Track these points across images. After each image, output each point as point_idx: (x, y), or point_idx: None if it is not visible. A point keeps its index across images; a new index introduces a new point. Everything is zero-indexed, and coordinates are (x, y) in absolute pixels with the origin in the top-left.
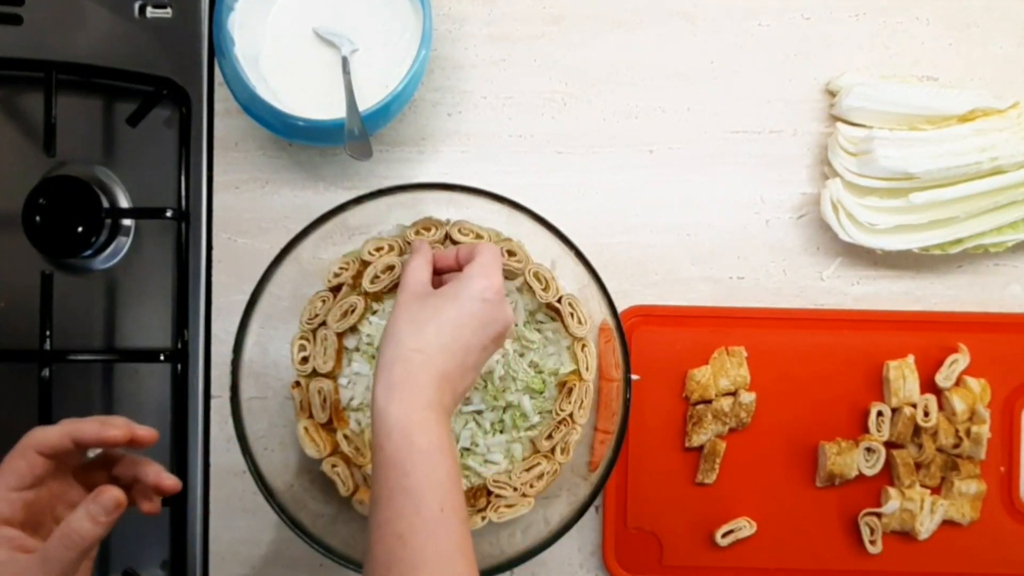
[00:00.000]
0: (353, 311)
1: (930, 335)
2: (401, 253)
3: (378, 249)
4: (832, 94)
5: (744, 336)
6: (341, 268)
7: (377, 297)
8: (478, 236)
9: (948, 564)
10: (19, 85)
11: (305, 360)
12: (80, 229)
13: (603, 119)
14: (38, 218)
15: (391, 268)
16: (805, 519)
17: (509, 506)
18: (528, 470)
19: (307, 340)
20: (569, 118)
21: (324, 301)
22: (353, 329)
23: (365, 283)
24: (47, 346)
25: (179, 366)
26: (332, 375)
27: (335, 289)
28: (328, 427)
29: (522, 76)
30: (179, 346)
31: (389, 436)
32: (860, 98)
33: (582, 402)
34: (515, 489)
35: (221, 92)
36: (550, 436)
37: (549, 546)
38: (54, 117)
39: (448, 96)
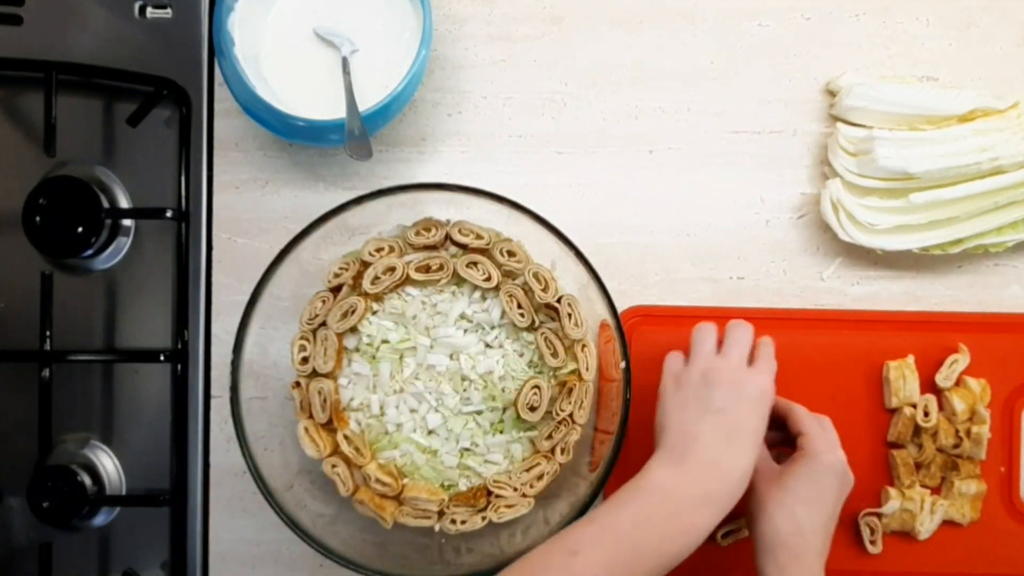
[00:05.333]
0: (353, 312)
1: (930, 335)
2: (401, 254)
3: (378, 250)
4: (832, 94)
5: None
6: (341, 268)
7: (377, 298)
8: (478, 236)
9: (948, 564)
10: (19, 85)
11: (305, 360)
12: (80, 229)
13: (603, 119)
14: (38, 218)
15: (392, 269)
16: None
17: (509, 506)
18: (528, 470)
19: (307, 340)
20: (569, 118)
21: (324, 301)
22: (353, 329)
23: (365, 284)
24: (47, 346)
25: (179, 366)
26: (332, 375)
27: (335, 289)
28: (328, 427)
29: (522, 76)
30: (179, 346)
31: None
32: (860, 98)
33: (582, 402)
34: (515, 489)
35: (221, 92)
36: (550, 436)
37: None
38: (54, 117)
39: (448, 96)
